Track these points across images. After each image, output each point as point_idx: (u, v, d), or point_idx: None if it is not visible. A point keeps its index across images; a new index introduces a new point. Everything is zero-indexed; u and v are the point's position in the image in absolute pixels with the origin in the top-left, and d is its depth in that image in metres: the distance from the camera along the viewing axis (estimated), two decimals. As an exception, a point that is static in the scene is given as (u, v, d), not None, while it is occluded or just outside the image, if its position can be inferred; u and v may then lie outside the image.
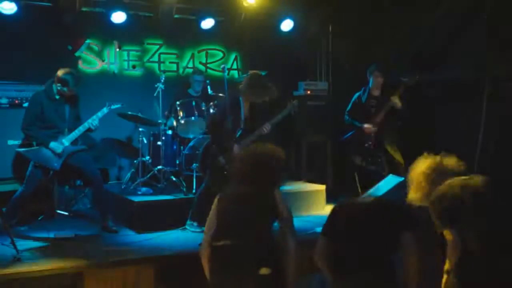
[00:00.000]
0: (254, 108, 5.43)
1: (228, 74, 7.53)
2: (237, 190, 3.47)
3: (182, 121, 6.36)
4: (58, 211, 5.99)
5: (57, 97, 5.25)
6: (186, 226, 5.49)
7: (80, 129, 5.30)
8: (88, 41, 7.14)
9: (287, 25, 7.82)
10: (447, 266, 2.86)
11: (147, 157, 6.56)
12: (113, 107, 5.53)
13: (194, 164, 6.09)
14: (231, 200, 3.47)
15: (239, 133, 5.35)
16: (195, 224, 5.42)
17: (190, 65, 7.86)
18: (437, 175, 3.06)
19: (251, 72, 5.48)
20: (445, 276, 2.87)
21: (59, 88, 5.20)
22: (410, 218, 3.20)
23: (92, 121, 5.29)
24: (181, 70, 7.85)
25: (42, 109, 5.19)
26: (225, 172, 5.02)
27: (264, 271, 3.18)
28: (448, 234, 2.80)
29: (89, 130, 5.36)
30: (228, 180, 5.07)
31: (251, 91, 5.23)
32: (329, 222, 3.36)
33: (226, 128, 5.17)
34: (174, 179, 6.40)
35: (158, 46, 7.67)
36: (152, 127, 6.74)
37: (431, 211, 2.78)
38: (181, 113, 6.38)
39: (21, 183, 5.35)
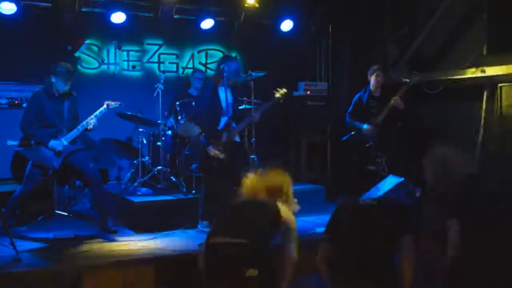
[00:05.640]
0: (236, 94, 5.45)
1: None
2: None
3: (182, 122, 6.36)
4: (58, 211, 5.97)
5: (56, 94, 5.22)
6: (199, 226, 5.52)
7: (79, 129, 5.27)
8: (87, 41, 7.13)
9: (287, 25, 7.81)
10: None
11: (147, 158, 6.55)
12: (111, 106, 5.51)
13: (194, 165, 6.08)
14: (237, 201, 3.50)
15: (225, 121, 5.32)
16: (205, 224, 5.44)
17: (190, 65, 7.85)
18: None
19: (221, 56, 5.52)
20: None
21: (53, 81, 5.15)
22: (409, 221, 3.21)
23: (91, 120, 5.27)
24: (180, 71, 7.83)
25: (41, 108, 5.16)
26: (214, 163, 5.05)
27: (251, 272, 3.17)
28: None
29: (87, 129, 5.34)
30: (219, 172, 5.12)
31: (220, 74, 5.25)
32: (331, 224, 3.36)
33: (207, 118, 5.24)
34: (173, 179, 6.40)
35: (158, 47, 7.66)
36: (152, 128, 6.73)
37: None
38: (181, 114, 6.39)
39: (20, 183, 5.32)
